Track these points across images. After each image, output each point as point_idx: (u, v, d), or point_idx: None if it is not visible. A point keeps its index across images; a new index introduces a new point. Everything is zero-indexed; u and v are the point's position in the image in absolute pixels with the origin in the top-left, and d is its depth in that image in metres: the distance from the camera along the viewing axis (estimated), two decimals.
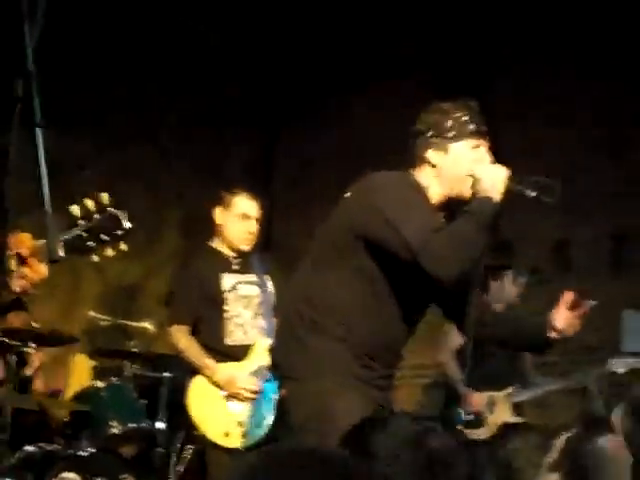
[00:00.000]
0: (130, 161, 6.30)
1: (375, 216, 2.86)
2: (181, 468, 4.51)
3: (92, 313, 5.33)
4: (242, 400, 4.24)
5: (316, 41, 6.81)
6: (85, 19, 5.84)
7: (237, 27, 6.68)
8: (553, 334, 3.02)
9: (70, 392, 5.02)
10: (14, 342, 4.25)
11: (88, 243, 2.20)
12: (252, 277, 4.46)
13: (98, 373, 5.06)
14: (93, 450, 4.39)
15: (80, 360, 5.19)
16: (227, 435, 4.19)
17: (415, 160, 3.02)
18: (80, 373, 5.16)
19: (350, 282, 2.94)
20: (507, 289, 5.28)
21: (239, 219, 4.43)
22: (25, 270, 2.18)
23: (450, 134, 2.95)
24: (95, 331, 5.44)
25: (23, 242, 2.19)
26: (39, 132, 1.85)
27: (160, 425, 4.70)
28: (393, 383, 3.15)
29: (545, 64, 6.20)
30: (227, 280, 4.38)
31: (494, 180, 2.84)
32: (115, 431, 4.60)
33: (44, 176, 1.85)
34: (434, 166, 2.98)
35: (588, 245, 6.19)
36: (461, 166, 2.94)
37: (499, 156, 2.98)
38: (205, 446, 4.29)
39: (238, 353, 4.31)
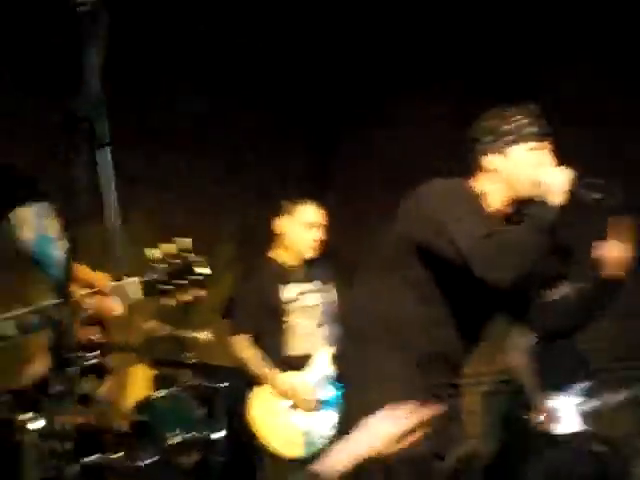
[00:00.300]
0: (183, 171, 6.36)
1: (429, 224, 2.86)
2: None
3: (151, 323, 5.38)
4: (304, 409, 4.25)
5: (367, 56, 6.82)
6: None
7: (291, 39, 6.71)
8: (607, 270, 2.92)
9: (130, 402, 5.07)
10: (79, 354, 4.29)
11: (165, 287, 2.21)
12: (314, 286, 4.48)
13: (157, 383, 5.11)
14: (152, 460, 4.44)
15: (140, 370, 5.24)
16: (290, 445, 4.21)
17: (474, 167, 3.01)
18: (139, 383, 5.20)
19: (405, 292, 2.95)
20: None
21: (304, 227, 4.45)
22: (99, 304, 2.22)
23: (510, 138, 2.92)
24: (153, 342, 5.48)
25: (101, 282, 2.24)
26: (102, 151, 1.88)
27: (218, 435, 4.73)
28: (458, 392, 3.13)
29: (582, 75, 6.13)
30: (289, 290, 4.40)
31: (556, 183, 2.79)
32: (174, 441, 4.63)
33: (110, 194, 1.88)
34: (495, 171, 2.96)
35: None
36: (522, 169, 2.91)
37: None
38: (265, 456, 4.31)
39: (300, 363, 4.33)
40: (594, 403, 5.06)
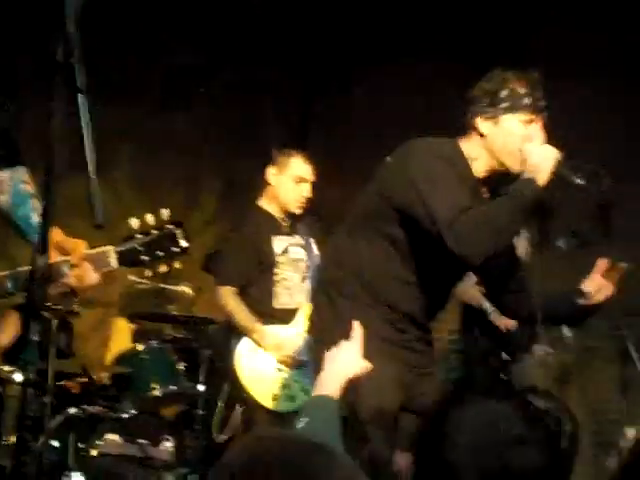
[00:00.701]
0: (167, 129, 6.31)
1: (407, 185, 2.84)
2: (227, 429, 4.54)
3: (131, 277, 5.35)
4: (287, 366, 4.26)
5: (351, 14, 6.75)
6: None
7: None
8: (582, 301, 2.98)
9: (111, 355, 5.08)
10: (56, 306, 4.29)
11: (143, 257, 2.18)
12: (300, 240, 4.44)
13: (138, 336, 5.11)
14: (134, 412, 4.45)
15: (120, 324, 5.24)
16: (274, 398, 4.21)
17: (466, 127, 2.96)
18: (120, 336, 5.21)
19: (380, 248, 2.95)
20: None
21: (294, 182, 4.38)
22: (75, 274, 2.18)
23: (503, 105, 2.86)
24: (134, 295, 5.47)
25: (76, 249, 2.20)
26: (82, 98, 1.85)
27: (200, 387, 4.75)
28: (431, 345, 3.15)
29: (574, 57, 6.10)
30: (278, 243, 4.35)
31: (543, 161, 2.75)
32: (156, 393, 4.64)
33: (88, 142, 1.85)
34: (483, 136, 2.91)
35: (630, 208, 6.11)
36: (510, 140, 2.86)
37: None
38: (252, 408, 4.31)
39: (285, 316, 4.32)
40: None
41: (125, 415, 4.42)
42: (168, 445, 4.45)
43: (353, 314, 2.91)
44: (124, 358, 4.82)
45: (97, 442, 4.27)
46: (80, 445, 4.24)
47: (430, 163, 2.85)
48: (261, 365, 4.26)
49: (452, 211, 2.71)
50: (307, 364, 4.23)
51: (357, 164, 5.42)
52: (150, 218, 2.20)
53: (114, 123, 5.79)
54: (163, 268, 2.22)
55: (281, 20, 6.72)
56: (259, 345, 4.26)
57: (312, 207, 4.56)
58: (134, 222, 2.20)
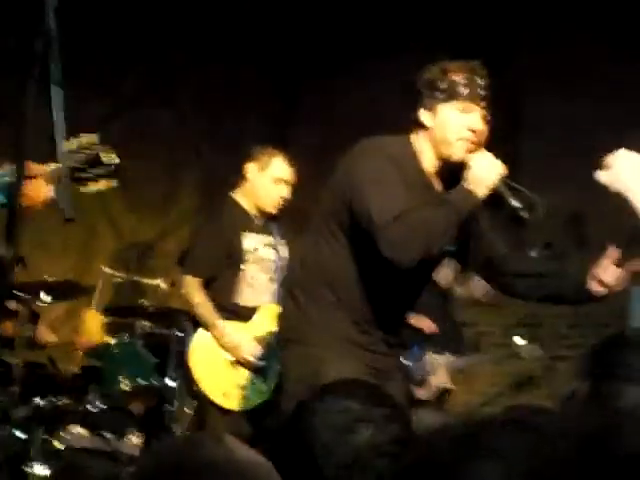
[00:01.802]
0: (147, 122, 6.29)
1: (352, 184, 2.84)
2: (182, 423, 4.51)
3: (106, 269, 5.34)
4: (245, 366, 4.22)
5: (335, 8, 6.76)
6: None
7: None
8: (599, 289, 2.88)
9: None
10: (27, 295, 4.27)
11: (84, 175, 2.33)
12: (271, 240, 4.40)
13: (110, 329, 5.09)
14: (102, 406, 4.43)
15: (92, 316, 5.21)
16: (226, 396, 4.16)
17: (416, 122, 2.93)
18: (92, 329, 5.18)
19: (339, 247, 2.94)
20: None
21: (274, 182, 4.33)
22: (29, 188, 2.23)
23: (442, 95, 2.83)
24: (106, 287, 5.45)
25: (31, 167, 2.26)
26: (56, 90, 1.84)
27: (170, 382, 4.73)
28: (393, 351, 3.14)
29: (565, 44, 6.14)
30: (249, 240, 4.30)
31: (486, 174, 2.74)
32: (125, 388, 4.63)
33: (60, 134, 1.84)
34: (426, 128, 2.89)
35: (602, 219, 6.16)
36: (448, 129, 2.83)
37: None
38: (203, 403, 4.27)
39: (247, 314, 4.28)
40: (465, 361, 5.07)
41: (92, 408, 4.40)
42: (135, 440, 4.44)
43: (318, 314, 2.92)
44: (94, 351, 4.80)
45: (63, 434, 4.25)
46: (45, 437, 4.22)
47: (374, 164, 2.83)
48: (216, 361, 4.22)
49: (387, 215, 2.69)
50: (265, 366, 4.20)
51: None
52: (85, 140, 2.36)
53: (92, 116, 5.77)
54: (102, 185, 2.40)
55: (262, 16, 6.72)
56: (218, 341, 4.21)
57: (288, 208, 4.53)
58: (72, 142, 2.32)
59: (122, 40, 6.06)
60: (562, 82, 6.14)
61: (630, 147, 2.38)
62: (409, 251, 2.68)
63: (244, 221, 4.33)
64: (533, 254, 5.07)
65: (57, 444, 4.22)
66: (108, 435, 4.35)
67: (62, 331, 5.18)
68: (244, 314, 4.26)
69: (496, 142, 2.91)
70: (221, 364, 4.22)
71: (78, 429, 4.30)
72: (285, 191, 4.36)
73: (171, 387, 4.69)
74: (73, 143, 2.30)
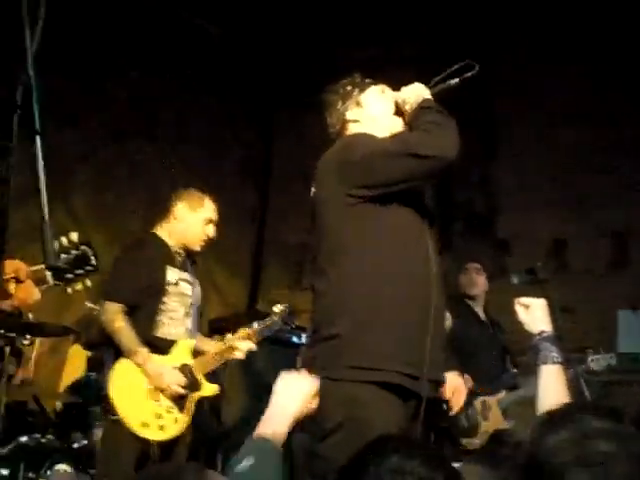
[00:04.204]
0: (126, 156, 6.31)
1: (357, 168, 2.86)
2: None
3: (88, 304, 5.31)
4: (167, 396, 4.18)
5: (309, 31, 6.83)
6: (82, 15, 5.83)
7: (235, 20, 6.67)
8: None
9: (64, 383, 5.02)
10: (9, 333, 4.25)
11: (67, 275, 2.47)
12: (188, 276, 4.43)
13: (92, 364, 5.06)
14: (86, 442, 4.40)
15: (75, 352, 5.18)
16: (144, 425, 4.10)
17: (339, 132, 3.12)
18: (75, 364, 5.15)
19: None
20: (474, 282, 5.35)
21: (204, 223, 4.41)
22: (20, 291, 2.41)
23: (355, 91, 3.12)
24: (90, 322, 5.43)
25: (20, 268, 2.43)
26: (38, 140, 1.84)
27: None
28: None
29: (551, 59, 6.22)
30: (171, 274, 4.32)
31: (416, 93, 3.02)
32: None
33: (42, 185, 1.85)
34: (357, 122, 3.10)
35: (585, 244, 6.21)
36: (379, 107, 3.11)
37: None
38: (119, 430, 4.13)
39: (164, 347, 4.25)
40: (515, 396, 4.99)
41: (76, 445, 4.37)
42: None
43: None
44: (77, 386, 4.77)
45: (47, 472, 4.22)
46: (30, 475, 4.19)
47: (352, 139, 3.02)
48: (135, 389, 4.16)
49: (402, 135, 2.95)
50: (184, 396, 4.18)
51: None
52: (64, 240, 2.46)
53: (73, 147, 5.78)
54: (80, 286, 2.53)
55: (241, 44, 6.76)
56: (139, 367, 4.17)
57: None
58: (62, 241, 2.46)
59: (102, 73, 6.08)
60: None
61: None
62: (447, 140, 2.83)
63: (168, 255, 4.36)
64: (513, 279, 5.09)
65: None
66: (93, 472, 4.31)
67: (47, 366, 5.14)
68: (162, 346, 4.23)
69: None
70: (141, 392, 4.17)
71: (63, 466, 4.26)
72: (212, 231, 4.42)
73: None
74: (65, 240, 2.45)
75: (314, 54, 6.84)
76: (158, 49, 6.40)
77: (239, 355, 4.31)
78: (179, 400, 4.17)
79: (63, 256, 2.44)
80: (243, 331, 4.34)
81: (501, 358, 5.34)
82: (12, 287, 2.41)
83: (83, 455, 4.34)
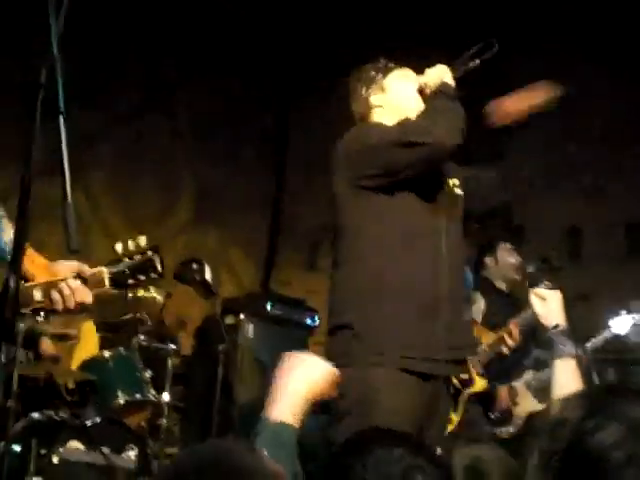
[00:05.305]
0: (144, 137, 6.31)
1: (363, 156, 2.91)
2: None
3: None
4: None
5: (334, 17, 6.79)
6: None
7: (255, 4, 6.65)
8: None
9: (77, 361, 5.04)
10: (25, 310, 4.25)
11: (129, 280, 2.34)
12: None
13: (105, 343, 5.08)
14: (98, 420, 4.42)
15: (88, 329, 5.19)
16: None
17: (363, 117, 3.13)
18: (88, 342, 5.17)
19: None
20: (503, 263, 5.13)
21: None
22: (77, 290, 2.33)
23: (378, 76, 3.11)
24: (104, 301, 5.44)
25: (84, 270, 2.36)
26: (62, 120, 1.84)
27: (165, 396, 4.73)
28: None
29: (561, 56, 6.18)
30: None
31: (439, 76, 3.02)
32: (120, 401, 4.62)
33: (66, 166, 1.85)
34: (381, 107, 3.10)
35: (599, 233, 6.19)
36: (403, 91, 3.10)
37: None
38: None
39: None
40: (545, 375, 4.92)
41: (89, 422, 4.39)
42: (131, 454, 4.43)
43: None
44: (90, 364, 4.79)
45: (59, 449, 4.24)
46: (42, 451, 4.20)
47: (354, 131, 3.05)
48: None
49: (407, 122, 2.94)
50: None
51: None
52: (132, 244, 2.34)
53: (92, 127, 5.78)
54: (142, 292, 2.37)
55: (260, 26, 6.75)
56: None
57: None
58: (118, 247, 2.34)
59: (122, 52, 6.07)
60: None
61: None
62: (452, 127, 2.85)
63: None
64: (529, 269, 5.06)
65: (54, 458, 4.20)
66: (105, 449, 4.33)
67: (59, 345, 5.16)
68: None
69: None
70: None
71: (75, 443, 4.28)
72: None
73: (167, 401, 4.70)
74: (121, 247, 2.35)
75: (336, 39, 6.80)
76: (179, 30, 6.38)
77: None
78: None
79: (126, 260, 2.32)
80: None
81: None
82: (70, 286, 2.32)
83: (95, 432, 4.35)
